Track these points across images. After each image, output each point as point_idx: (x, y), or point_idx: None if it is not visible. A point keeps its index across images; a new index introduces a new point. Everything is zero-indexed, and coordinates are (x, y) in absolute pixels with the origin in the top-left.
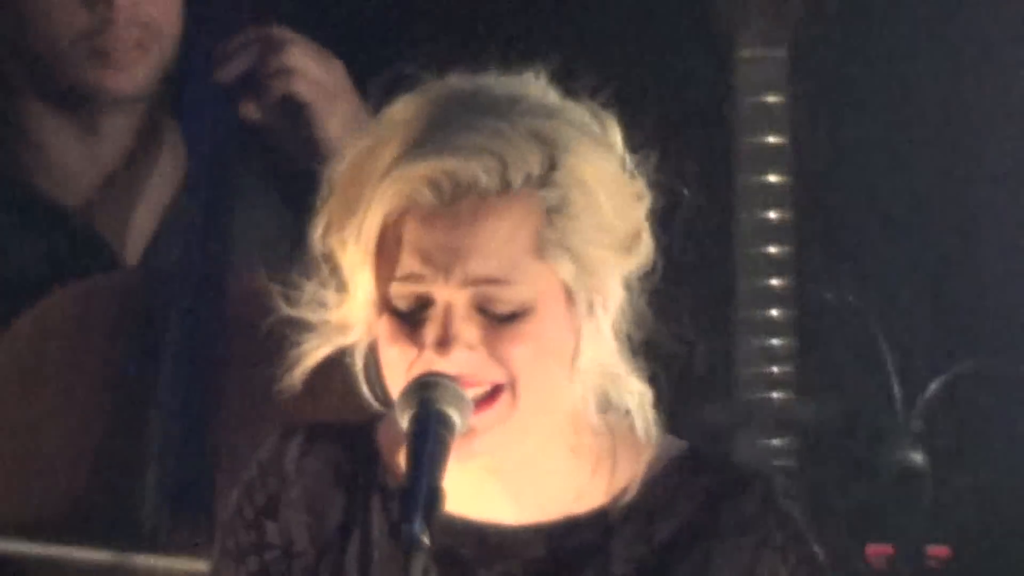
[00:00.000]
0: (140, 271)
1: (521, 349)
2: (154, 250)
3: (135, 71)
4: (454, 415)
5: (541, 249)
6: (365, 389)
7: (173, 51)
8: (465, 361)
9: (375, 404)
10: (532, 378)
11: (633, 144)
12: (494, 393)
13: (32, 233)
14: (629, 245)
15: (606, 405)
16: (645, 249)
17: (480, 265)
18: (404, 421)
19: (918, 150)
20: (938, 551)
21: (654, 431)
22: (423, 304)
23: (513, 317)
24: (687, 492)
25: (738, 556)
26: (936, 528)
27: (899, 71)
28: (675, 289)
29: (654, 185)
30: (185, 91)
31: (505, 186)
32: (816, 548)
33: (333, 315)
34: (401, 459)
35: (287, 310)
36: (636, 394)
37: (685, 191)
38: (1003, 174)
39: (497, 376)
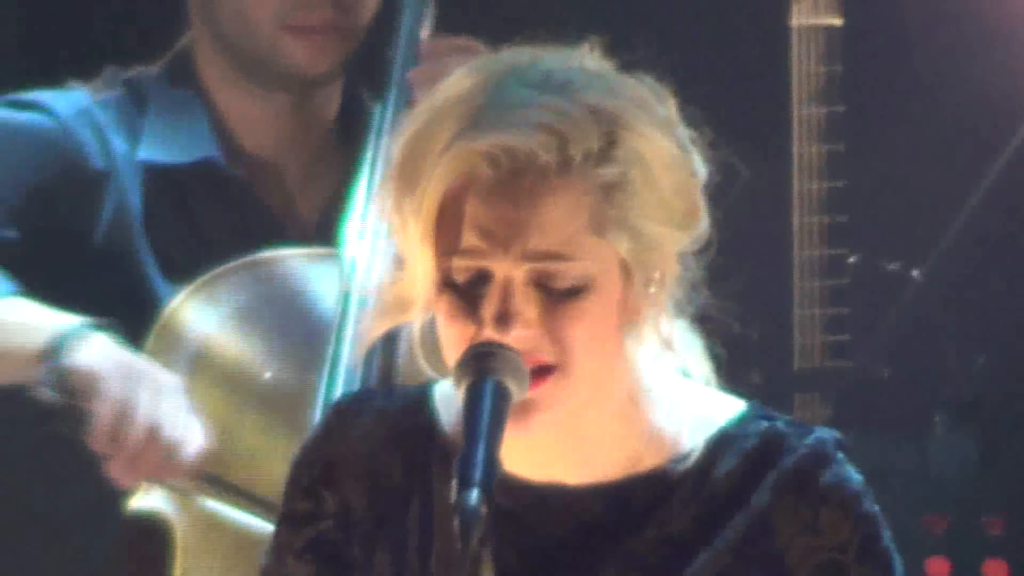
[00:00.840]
0: (312, 249)
1: (578, 328)
2: (324, 228)
3: (329, 51)
4: (511, 385)
5: (600, 226)
6: (422, 358)
7: (362, 35)
8: (523, 338)
9: (431, 372)
10: (586, 358)
11: (689, 118)
12: (543, 372)
13: (215, 208)
14: (686, 221)
15: (664, 378)
16: (700, 223)
17: (539, 240)
18: (461, 390)
19: (975, 117)
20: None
21: (713, 399)
22: (482, 279)
23: (571, 294)
24: (744, 451)
25: (798, 514)
26: (992, 498)
27: (955, 37)
28: (732, 260)
29: (709, 160)
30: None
31: (564, 163)
32: (874, 506)
33: (390, 292)
34: (458, 424)
35: (345, 282)
36: (693, 365)
37: (742, 168)
38: None
39: (549, 357)
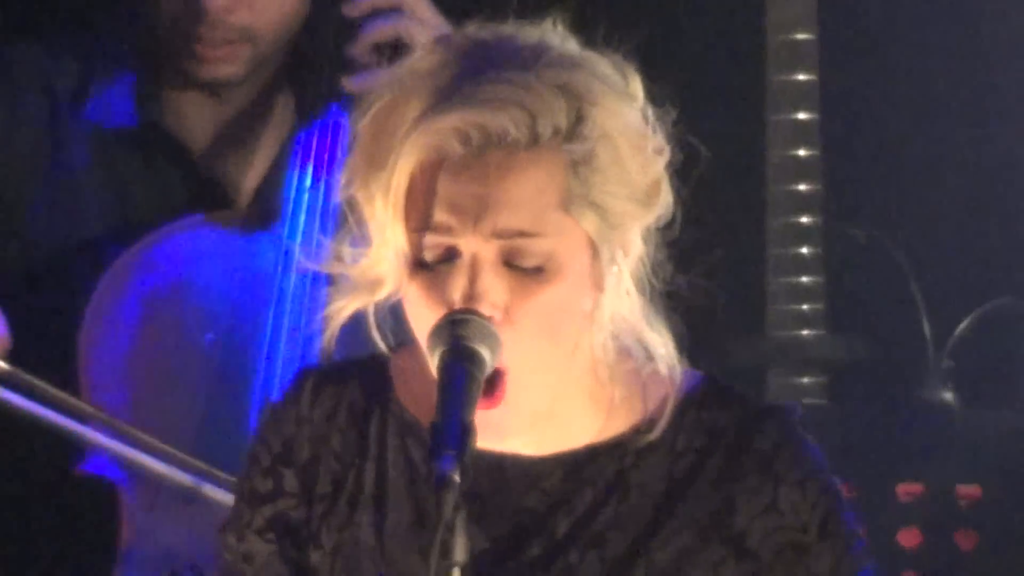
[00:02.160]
0: (249, 210)
1: (544, 311)
2: (262, 195)
3: (225, 64)
4: (484, 352)
5: (567, 202)
6: (375, 331)
7: (276, 40)
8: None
9: (383, 346)
10: (539, 360)
11: (654, 95)
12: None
13: (160, 172)
14: (649, 197)
15: (626, 353)
16: (664, 202)
17: (508, 217)
18: (435, 358)
19: (948, 86)
20: (968, 490)
21: (676, 373)
22: (450, 257)
23: (538, 271)
24: (704, 427)
25: (759, 494)
26: (966, 466)
27: (928, 6)
28: (705, 230)
29: (673, 139)
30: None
31: (533, 139)
32: (834, 479)
33: (358, 270)
34: (415, 391)
35: (308, 264)
36: (657, 342)
37: (703, 148)
38: None
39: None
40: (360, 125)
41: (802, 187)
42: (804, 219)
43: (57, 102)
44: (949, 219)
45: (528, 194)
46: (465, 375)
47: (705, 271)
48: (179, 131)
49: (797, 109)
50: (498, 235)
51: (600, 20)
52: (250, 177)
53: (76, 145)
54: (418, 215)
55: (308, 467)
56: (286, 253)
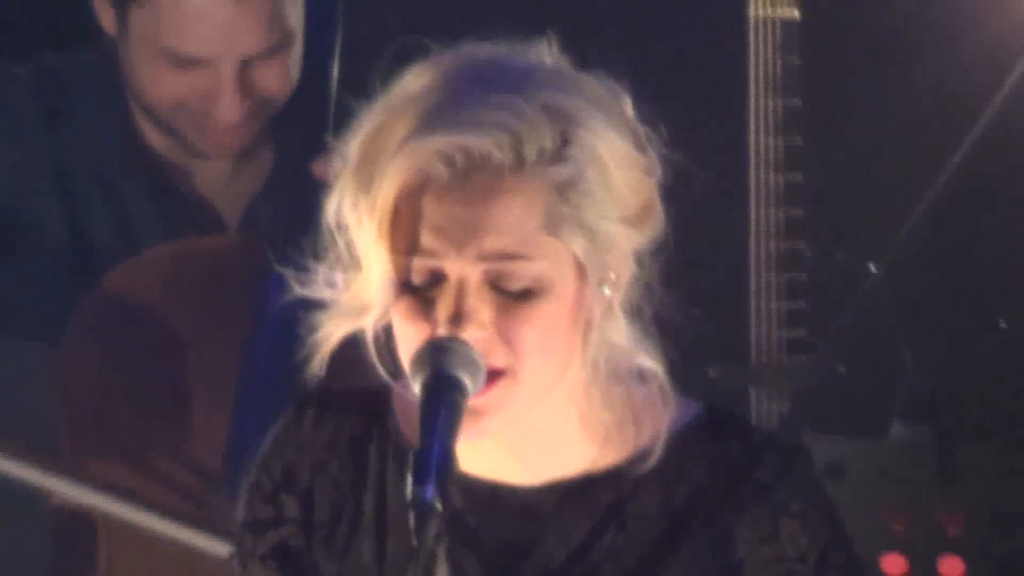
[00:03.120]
0: (238, 234)
1: (532, 331)
2: (250, 217)
3: (238, 140)
4: (466, 379)
5: (554, 225)
6: (376, 362)
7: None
8: (477, 341)
9: (385, 376)
10: (537, 362)
11: (645, 117)
12: (493, 376)
13: (154, 195)
14: (641, 220)
15: (618, 378)
16: (656, 223)
17: (493, 240)
18: (416, 385)
19: (931, 110)
20: (952, 517)
21: (669, 399)
22: (437, 280)
23: (526, 295)
24: (703, 456)
25: (758, 525)
26: (949, 494)
27: (910, 29)
28: (689, 254)
29: (664, 159)
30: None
31: (519, 162)
32: (836, 511)
33: (346, 295)
34: (415, 421)
35: (300, 290)
36: (649, 366)
37: (695, 167)
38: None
39: (501, 361)
40: (351, 146)
41: (785, 212)
42: (788, 244)
43: (57, 124)
44: (933, 243)
45: (514, 217)
46: (447, 403)
47: (687, 295)
48: (171, 156)
49: (780, 133)
50: (484, 258)
51: (593, 42)
52: (238, 201)
53: (76, 167)
54: (404, 238)
55: (308, 493)
56: (272, 277)
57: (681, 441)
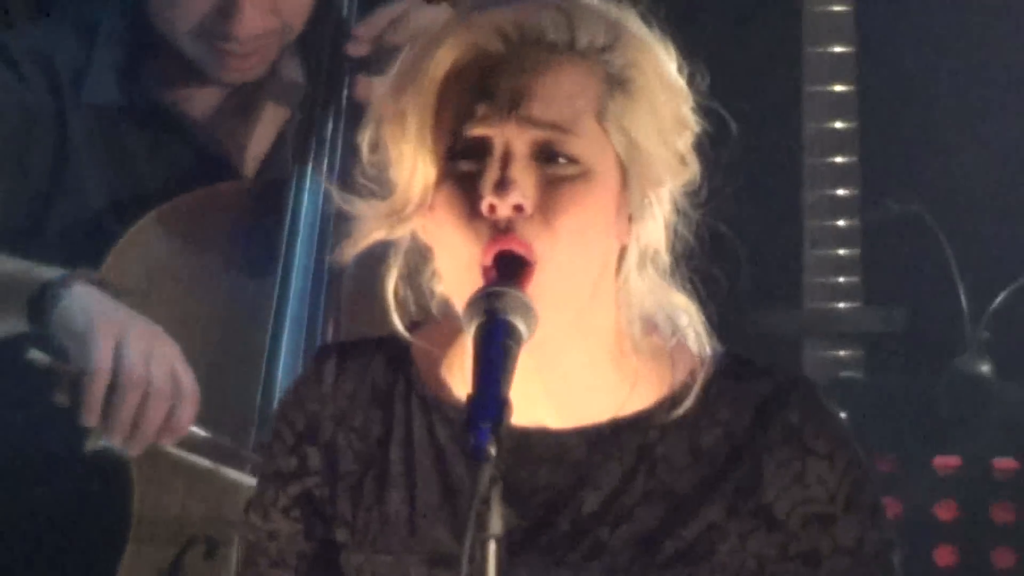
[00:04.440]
0: (256, 182)
1: (572, 213)
2: (268, 165)
3: (254, 67)
4: (520, 324)
5: (601, 114)
6: (394, 312)
7: (303, 24)
8: (518, 213)
9: (401, 329)
10: (572, 251)
11: (689, 76)
12: (524, 272)
13: (160, 149)
14: (680, 159)
15: (652, 326)
16: (694, 168)
17: (543, 108)
18: (471, 330)
19: (988, 56)
20: (1005, 463)
21: (703, 346)
22: (482, 150)
23: (569, 175)
24: (729, 401)
25: (786, 467)
26: (1003, 439)
27: None
28: (743, 204)
29: (703, 110)
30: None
31: (571, 44)
32: (860, 451)
33: (384, 202)
34: (438, 370)
35: (339, 199)
36: (683, 313)
37: (733, 124)
38: None
39: (537, 242)
40: (404, 52)
41: (839, 159)
42: (841, 191)
43: (58, 80)
44: (986, 190)
45: (564, 92)
46: (501, 348)
47: (742, 244)
48: (180, 106)
49: (834, 81)
50: (533, 123)
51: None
52: (255, 147)
53: (77, 123)
54: (452, 110)
55: (331, 445)
56: (292, 226)
57: (709, 386)
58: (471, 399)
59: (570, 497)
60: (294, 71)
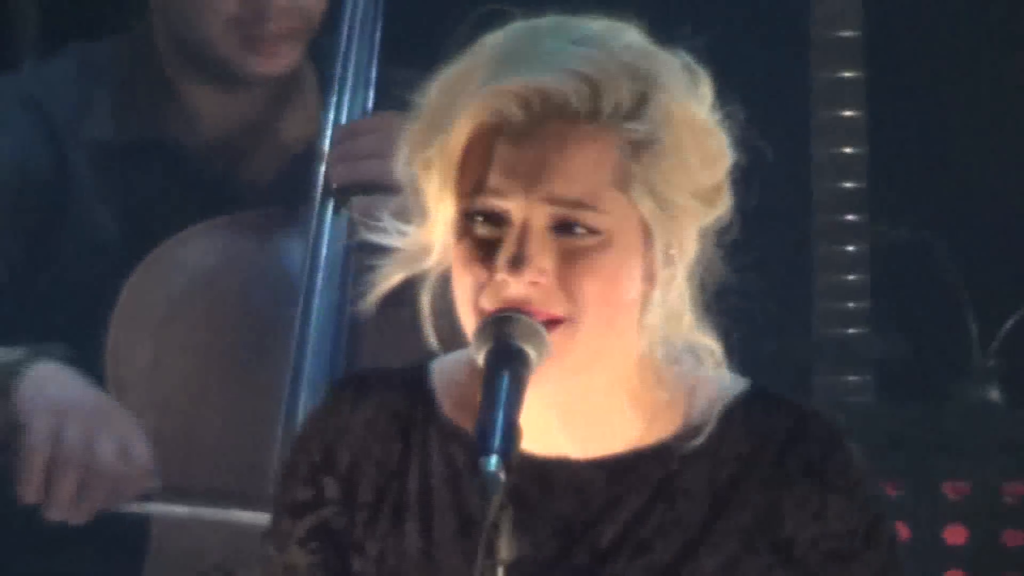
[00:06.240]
0: (275, 211)
1: (592, 284)
2: (282, 188)
3: (285, 56)
4: (530, 351)
5: (624, 182)
6: (429, 330)
7: (322, 18)
8: (534, 287)
9: (437, 346)
10: (597, 314)
11: (721, 100)
12: (551, 325)
13: (166, 183)
14: (711, 197)
15: (674, 356)
16: (724, 203)
17: (563, 186)
18: (480, 357)
19: (994, 82)
20: (1014, 488)
21: (723, 377)
22: (500, 222)
23: (589, 246)
24: (750, 433)
25: (806, 502)
26: (1012, 464)
27: (975, 5)
28: (753, 227)
29: (739, 142)
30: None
31: (595, 113)
32: (880, 489)
33: (409, 241)
34: (458, 399)
35: (366, 235)
36: (706, 345)
37: (768, 152)
38: None
39: (560, 310)
40: (429, 92)
41: (848, 184)
42: (850, 216)
43: (55, 123)
44: (996, 216)
45: (586, 167)
46: (511, 374)
47: (751, 269)
48: (186, 135)
49: (843, 106)
50: (551, 201)
51: (643, 19)
52: (268, 170)
53: (79, 161)
54: (472, 178)
55: (349, 475)
56: (314, 248)
57: (727, 417)
58: (479, 425)
59: (588, 528)
60: (310, 86)
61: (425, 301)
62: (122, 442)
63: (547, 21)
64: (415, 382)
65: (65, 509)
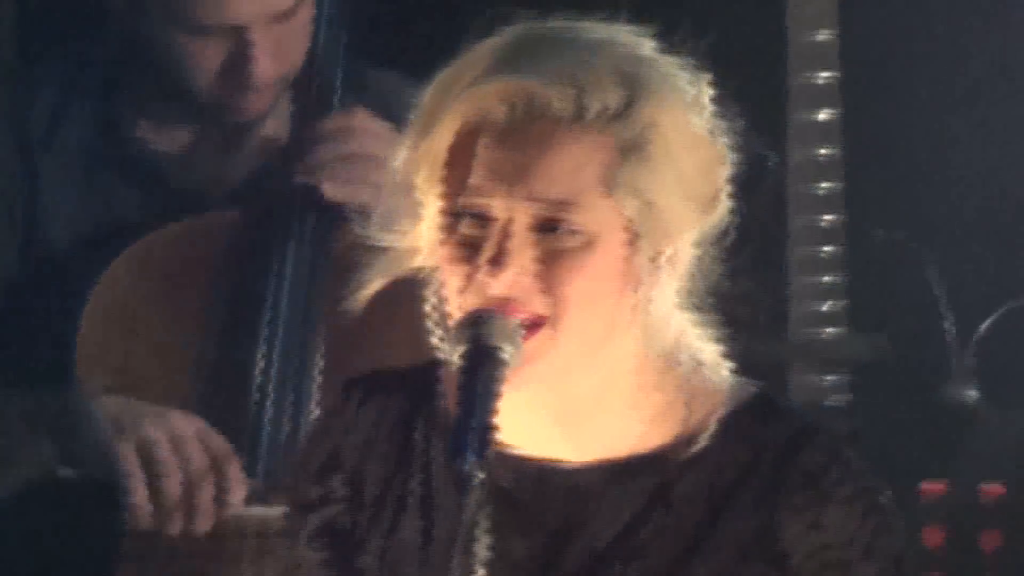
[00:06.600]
0: (238, 214)
1: (573, 283)
2: (249, 197)
3: (266, 101)
4: (506, 351)
5: (608, 184)
6: (433, 332)
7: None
8: (515, 285)
9: (441, 350)
10: (579, 314)
11: (723, 106)
12: (533, 326)
13: (131, 183)
14: (707, 204)
15: (674, 361)
16: (722, 210)
17: (545, 185)
18: (456, 357)
19: (972, 83)
20: (992, 488)
21: (725, 383)
22: (484, 221)
23: (571, 246)
24: (750, 441)
25: (804, 512)
26: (990, 465)
27: (951, 4)
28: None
29: (740, 149)
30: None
31: (579, 115)
32: (883, 497)
33: (403, 240)
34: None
35: (359, 231)
36: (705, 350)
37: (772, 159)
38: None
39: (541, 309)
40: (423, 94)
41: (824, 186)
42: (826, 218)
43: (27, 135)
44: (972, 216)
45: (569, 167)
46: (486, 374)
47: (728, 271)
48: (154, 145)
49: (818, 108)
50: (533, 200)
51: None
52: (235, 181)
53: (50, 170)
54: (456, 178)
55: (357, 473)
56: (283, 250)
57: (729, 425)
58: (453, 426)
59: (584, 531)
60: (282, 106)
61: (429, 307)
62: (200, 438)
63: (543, 26)
64: (423, 381)
65: (183, 517)
